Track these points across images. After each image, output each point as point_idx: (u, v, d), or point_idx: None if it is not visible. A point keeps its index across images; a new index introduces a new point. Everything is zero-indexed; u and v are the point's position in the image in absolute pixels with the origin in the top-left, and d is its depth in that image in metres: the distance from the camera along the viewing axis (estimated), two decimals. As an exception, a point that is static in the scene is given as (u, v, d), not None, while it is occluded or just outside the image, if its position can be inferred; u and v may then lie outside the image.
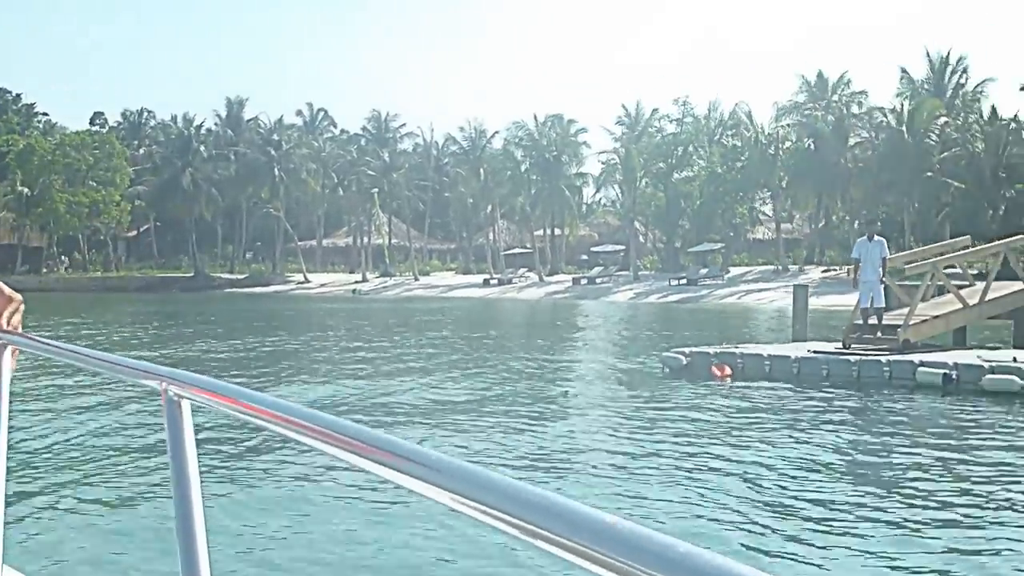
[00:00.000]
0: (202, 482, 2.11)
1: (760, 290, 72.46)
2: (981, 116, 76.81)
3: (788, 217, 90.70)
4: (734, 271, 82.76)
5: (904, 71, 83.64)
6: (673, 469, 13.38)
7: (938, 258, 24.47)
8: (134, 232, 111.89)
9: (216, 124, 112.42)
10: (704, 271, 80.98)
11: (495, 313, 61.23)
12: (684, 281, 79.01)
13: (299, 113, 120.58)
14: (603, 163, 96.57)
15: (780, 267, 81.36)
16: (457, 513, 1.21)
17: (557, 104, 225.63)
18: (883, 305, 23.23)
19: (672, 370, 24.18)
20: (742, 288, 74.37)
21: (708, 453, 14.54)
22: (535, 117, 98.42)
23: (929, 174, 71.15)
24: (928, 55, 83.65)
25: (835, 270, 77.83)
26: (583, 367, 27.19)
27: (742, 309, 62.90)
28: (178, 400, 2.11)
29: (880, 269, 23.05)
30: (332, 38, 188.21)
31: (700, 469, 13.39)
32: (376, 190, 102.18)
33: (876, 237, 23.67)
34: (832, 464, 13.86)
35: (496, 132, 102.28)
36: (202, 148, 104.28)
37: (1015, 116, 72.37)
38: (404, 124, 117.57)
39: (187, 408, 2.12)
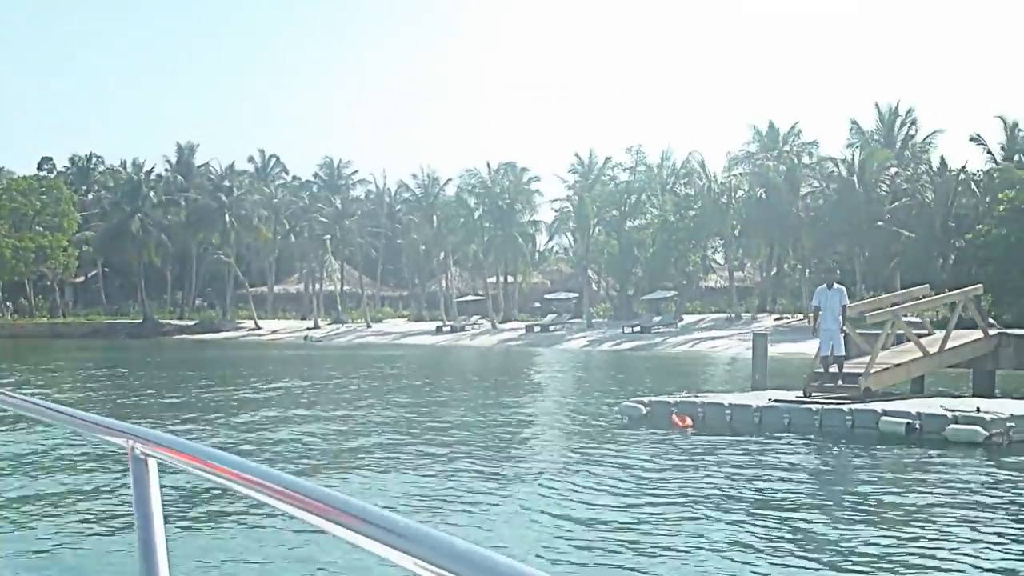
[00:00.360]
0: (168, 541, 2.07)
1: (714, 338, 72.40)
2: (931, 167, 77.59)
3: (740, 265, 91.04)
4: (687, 319, 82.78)
5: (854, 122, 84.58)
6: (636, 524, 13.04)
7: (898, 306, 24.38)
8: (82, 278, 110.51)
9: (166, 170, 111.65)
10: (657, 319, 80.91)
11: (448, 360, 60.74)
12: (638, 329, 78.87)
13: (251, 159, 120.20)
14: (556, 211, 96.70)
15: (733, 315, 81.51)
16: None
17: (510, 152, 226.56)
18: (843, 353, 23.07)
19: (632, 420, 23.84)
20: (696, 336, 74.31)
21: (672, 507, 14.21)
22: (488, 165, 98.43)
23: (880, 223, 71.63)
24: (877, 107, 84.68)
25: (787, 318, 78.09)
26: (541, 417, 26.76)
27: (696, 357, 62.76)
28: (144, 458, 2.11)
29: (840, 317, 22.91)
30: (283, 85, 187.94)
31: (663, 524, 13.07)
32: (328, 237, 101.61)
33: (836, 285, 23.57)
34: (798, 518, 13.54)
35: (449, 179, 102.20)
36: (152, 194, 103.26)
37: (964, 167, 73.14)
38: (356, 171, 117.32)
39: (153, 466, 2.11)
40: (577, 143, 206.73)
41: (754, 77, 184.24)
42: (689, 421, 22.62)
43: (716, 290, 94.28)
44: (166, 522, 2.15)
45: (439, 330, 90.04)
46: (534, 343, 78.62)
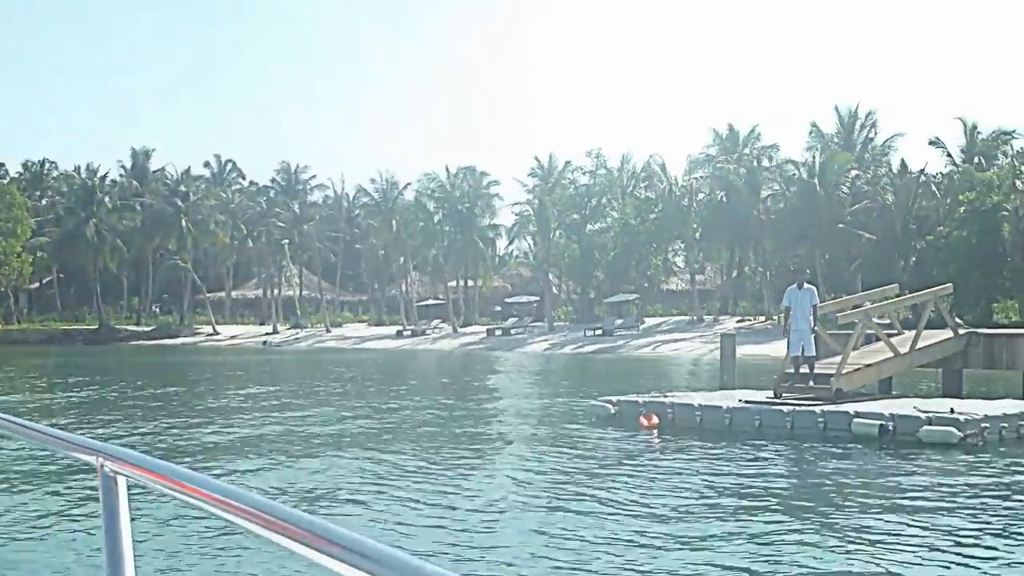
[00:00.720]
0: (136, 559, 2.08)
1: (675, 340, 72.30)
2: (891, 169, 77.80)
3: (700, 268, 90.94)
4: (649, 321, 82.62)
5: (814, 125, 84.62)
6: (604, 527, 12.64)
7: (869, 307, 24.09)
8: (36, 284, 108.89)
9: (121, 175, 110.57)
10: (619, 321, 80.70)
11: (409, 364, 60.17)
12: (599, 332, 78.62)
13: (207, 164, 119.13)
14: (517, 214, 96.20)
15: (695, 318, 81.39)
16: None
17: (469, 156, 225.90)
18: (814, 354, 22.73)
19: (599, 419, 23.48)
20: (658, 338, 74.15)
21: (641, 509, 13.82)
22: (447, 169, 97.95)
23: (841, 226, 71.71)
24: (837, 110, 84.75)
25: (749, 320, 78.09)
26: (506, 419, 26.25)
27: (658, 359, 62.56)
28: (114, 476, 2.09)
29: (811, 318, 22.58)
30: (239, 89, 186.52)
31: (632, 526, 12.67)
32: (286, 241, 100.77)
33: (806, 285, 23.22)
34: (771, 521, 13.14)
35: (408, 184, 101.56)
36: (107, 199, 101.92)
37: (924, 169, 73.37)
38: (314, 176, 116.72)
39: (123, 484, 2.10)
40: (537, 147, 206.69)
41: (714, 80, 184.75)
42: (656, 420, 22.25)
43: (677, 293, 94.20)
44: (135, 540, 2.12)
45: (399, 334, 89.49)
46: (495, 347, 78.21)
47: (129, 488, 2.11)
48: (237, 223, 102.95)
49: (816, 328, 22.59)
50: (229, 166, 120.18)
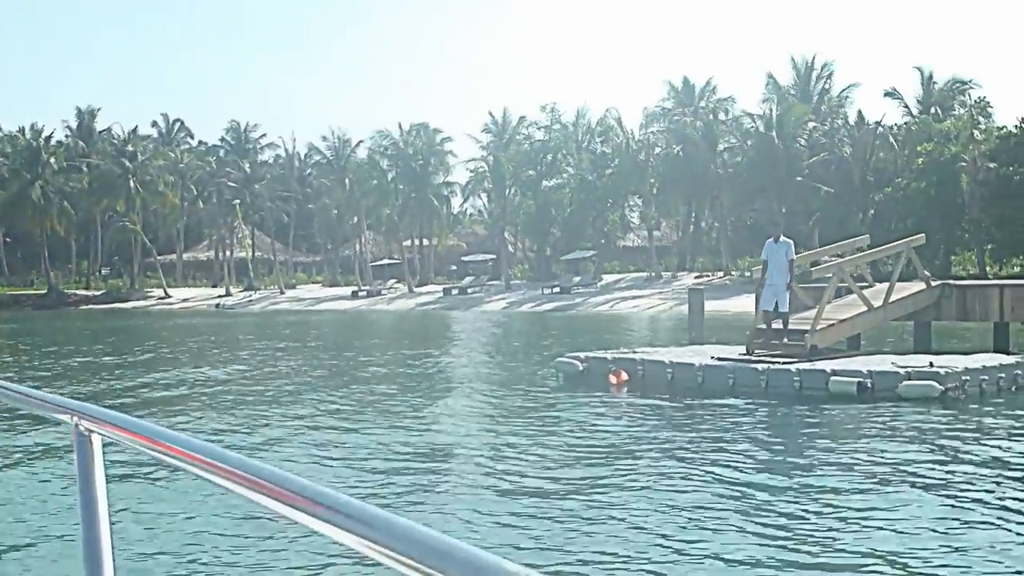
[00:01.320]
0: (112, 519, 2.08)
1: (634, 297, 71.82)
2: (847, 121, 77.42)
3: (656, 224, 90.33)
4: (607, 278, 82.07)
5: (771, 76, 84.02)
6: (578, 491, 11.95)
7: (844, 259, 23.45)
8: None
9: (67, 135, 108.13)
10: (577, 279, 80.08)
11: (366, 325, 59.25)
12: (557, 289, 78.00)
13: (154, 124, 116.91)
14: (471, 171, 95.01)
15: (653, 274, 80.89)
16: (365, 556, 1.23)
17: (422, 112, 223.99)
18: (787, 310, 22.03)
19: (567, 376, 22.77)
20: (616, 295, 73.62)
21: (613, 472, 13.15)
22: (400, 126, 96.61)
23: (799, 179, 71.30)
24: (793, 61, 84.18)
25: (708, 276, 77.74)
26: (469, 379, 25.45)
27: (617, 316, 62.03)
28: (88, 435, 2.09)
29: (787, 273, 21.87)
30: (186, 47, 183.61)
31: (604, 490, 11.99)
32: (237, 202, 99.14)
33: (782, 238, 22.47)
34: (751, 483, 12.45)
35: (360, 141, 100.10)
36: (52, 160, 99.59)
37: (880, 120, 73.02)
38: (264, 135, 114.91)
39: (98, 443, 2.09)
40: (490, 102, 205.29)
41: (669, 31, 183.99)
42: (625, 376, 21.58)
43: (634, 249, 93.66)
44: (110, 500, 2.13)
45: (355, 295, 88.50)
46: (452, 306, 77.44)
47: (104, 447, 2.10)
48: (187, 184, 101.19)
49: (791, 284, 21.89)
50: (177, 125, 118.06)
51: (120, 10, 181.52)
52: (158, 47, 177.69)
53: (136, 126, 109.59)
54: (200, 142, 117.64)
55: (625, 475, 12.95)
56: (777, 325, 21.99)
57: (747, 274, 71.23)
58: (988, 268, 64.48)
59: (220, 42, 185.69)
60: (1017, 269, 63.92)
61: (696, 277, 78.11)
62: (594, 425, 17.12)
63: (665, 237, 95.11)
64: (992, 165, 61.97)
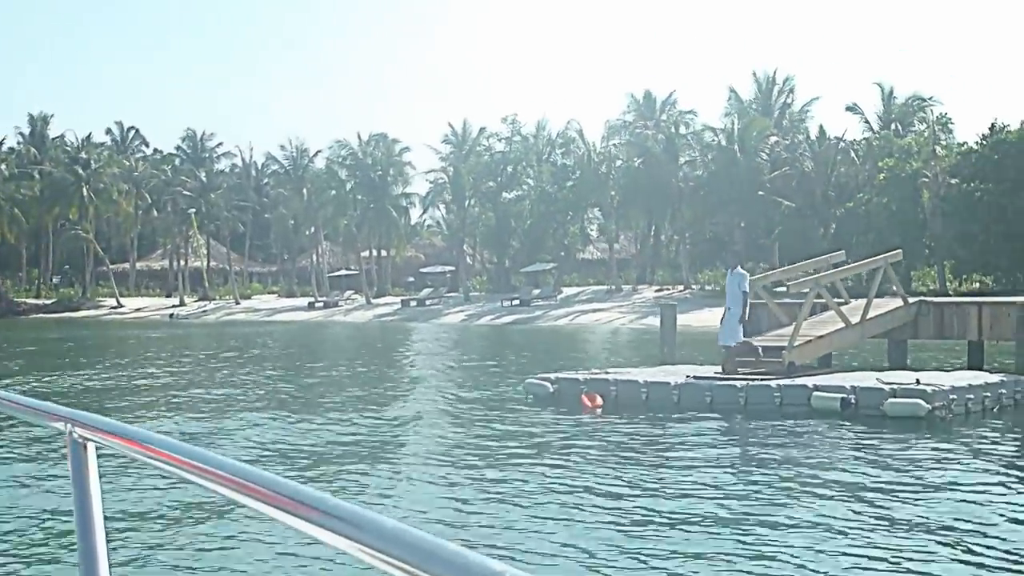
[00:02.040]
0: (107, 526, 2.06)
1: (595, 311, 71.28)
2: (808, 136, 77.34)
3: (615, 237, 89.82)
4: (566, 291, 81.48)
5: (732, 90, 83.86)
6: (552, 517, 11.30)
7: (822, 274, 22.90)
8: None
9: (19, 142, 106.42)
10: (537, 292, 79.42)
11: (323, 337, 58.30)
12: (517, 302, 77.29)
13: (108, 132, 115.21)
14: (431, 182, 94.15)
15: (613, 287, 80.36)
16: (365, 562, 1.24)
17: (381, 122, 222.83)
18: (742, 340, 21.16)
19: (537, 399, 21.99)
20: (576, 308, 73.06)
21: (591, 497, 12.47)
22: (359, 136, 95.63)
23: (760, 193, 71.07)
24: (755, 75, 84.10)
25: (668, 289, 77.30)
26: (433, 396, 24.62)
27: (578, 330, 61.49)
28: (83, 442, 2.09)
29: (739, 307, 21.05)
30: (142, 56, 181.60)
31: (582, 515, 11.39)
32: (193, 211, 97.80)
33: (737, 269, 21.62)
34: (732, 507, 11.83)
35: (319, 151, 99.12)
36: (3, 167, 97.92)
37: (842, 135, 72.98)
38: (221, 143, 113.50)
39: (92, 451, 2.09)
40: (450, 113, 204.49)
41: (631, 43, 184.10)
42: (600, 400, 20.85)
43: (593, 262, 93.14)
44: (105, 507, 2.11)
45: (311, 306, 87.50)
46: (410, 317, 76.64)
47: (99, 454, 2.10)
48: (141, 192, 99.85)
49: (745, 319, 21.04)
50: (132, 133, 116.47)
51: (74, 16, 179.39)
52: (113, 54, 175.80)
53: (90, 133, 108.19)
54: (155, 150, 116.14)
55: (593, 493, 12.26)
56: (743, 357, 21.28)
57: (708, 287, 70.98)
58: (949, 284, 64.46)
59: (176, 50, 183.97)
60: (977, 285, 63.97)
61: (657, 290, 77.70)
62: (576, 454, 16.39)
63: (624, 250, 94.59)
64: (954, 181, 61.98)
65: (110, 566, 2.03)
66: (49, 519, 11.43)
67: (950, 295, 52.07)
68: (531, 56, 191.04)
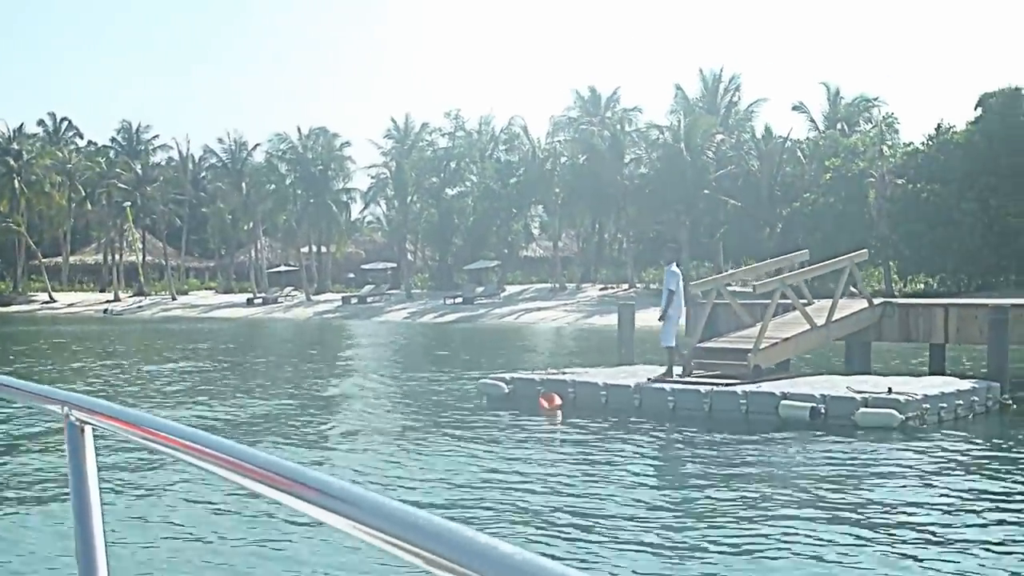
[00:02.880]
0: (104, 509, 2.06)
1: (539, 309, 70.44)
2: (754, 134, 76.95)
3: (557, 235, 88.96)
4: (510, 289, 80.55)
5: (679, 88, 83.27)
6: (515, 531, 10.54)
7: (788, 274, 22.09)
8: None
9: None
10: (480, 289, 78.40)
11: (262, 333, 56.96)
12: (459, 300, 76.27)
13: (41, 122, 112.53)
14: (373, 177, 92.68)
15: (557, 285, 79.52)
16: (359, 540, 1.25)
17: (321, 116, 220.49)
18: (672, 345, 20.28)
19: (492, 399, 21.04)
20: (520, 307, 72.16)
21: (548, 510, 11.66)
22: (299, 129, 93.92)
23: (706, 192, 70.55)
24: (702, 73, 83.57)
25: (612, 288, 76.61)
26: (384, 399, 23.58)
27: (523, 328, 60.65)
28: (80, 425, 2.10)
29: (666, 305, 20.09)
30: (75, 45, 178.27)
31: (540, 526, 10.75)
32: (128, 204, 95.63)
33: (672, 266, 20.67)
34: (699, 523, 11.07)
35: (257, 144, 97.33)
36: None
37: (788, 135, 72.65)
38: (157, 135, 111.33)
39: (89, 434, 2.10)
40: (392, 108, 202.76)
41: (577, 38, 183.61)
42: (558, 401, 19.93)
43: (537, 260, 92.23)
44: (102, 490, 2.11)
45: (250, 302, 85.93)
46: (351, 315, 75.42)
47: (96, 437, 2.11)
48: (75, 184, 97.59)
49: (666, 316, 20.08)
50: (65, 124, 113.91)
51: (3, 3, 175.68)
52: (46, 42, 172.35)
53: (22, 124, 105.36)
54: (89, 142, 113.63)
55: (551, 507, 11.32)
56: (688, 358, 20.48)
57: (652, 286, 70.32)
58: (894, 284, 64.30)
59: (111, 40, 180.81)
60: (922, 286, 63.88)
61: (601, 289, 77.02)
62: (524, 455, 15.44)
63: (567, 248, 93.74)
64: (900, 181, 61.77)
65: (107, 549, 2.01)
66: (46, 501, 11.62)
67: (896, 296, 51.72)
68: (475, 50, 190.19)
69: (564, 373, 21.74)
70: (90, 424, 2.07)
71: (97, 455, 2.09)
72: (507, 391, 20.87)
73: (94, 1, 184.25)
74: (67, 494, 2.07)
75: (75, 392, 2.19)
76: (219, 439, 1.60)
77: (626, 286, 75.68)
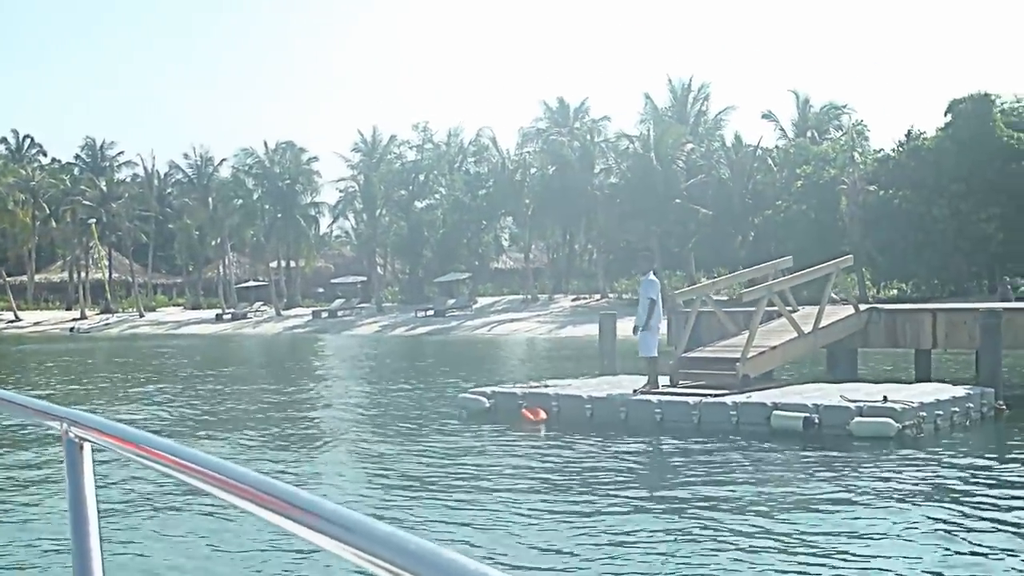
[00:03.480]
0: (101, 526, 2.04)
1: (511, 320, 69.86)
2: (724, 143, 76.72)
3: (527, 247, 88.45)
4: (481, 301, 79.97)
5: (648, 97, 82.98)
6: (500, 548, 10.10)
7: (775, 282, 21.62)
8: None
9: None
10: (451, 302, 77.77)
11: (232, 349, 56.14)
12: (431, 312, 75.65)
13: (3, 140, 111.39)
14: (341, 191, 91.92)
15: (528, 297, 78.98)
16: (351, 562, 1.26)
17: (287, 131, 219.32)
18: (653, 355, 19.79)
19: (472, 414, 20.44)
20: (492, 319, 71.58)
21: (544, 526, 11.23)
22: (265, 144, 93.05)
23: (677, 201, 70.20)
24: (671, 82, 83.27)
25: (585, 299, 76.17)
26: (359, 415, 22.94)
27: (496, 340, 60.08)
28: (79, 442, 2.10)
29: (646, 314, 19.47)
30: (38, 61, 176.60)
31: (527, 546, 10.25)
32: (93, 221, 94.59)
33: (649, 275, 20.11)
34: (696, 547, 10.48)
35: (224, 159, 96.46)
36: None
37: (759, 143, 72.45)
38: (122, 152, 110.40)
39: (88, 450, 2.10)
40: (360, 121, 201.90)
41: (544, 50, 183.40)
42: (543, 415, 19.38)
43: (507, 271, 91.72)
44: (100, 507, 2.10)
45: (219, 318, 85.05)
46: (322, 329, 74.67)
47: (94, 454, 2.10)
48: (39, 202, 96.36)
49: (643, 329, 19.53)
50: (28, 141, 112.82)
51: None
52: (7, 58, 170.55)
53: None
54: (53, 159, 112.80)
55: (536, 527, 10.76)
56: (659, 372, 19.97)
57: (624, 296, 69.90)
58: (868, 291, 64.10)
59: (75, 56, 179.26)
60: (895, 292, 63.74)
61: (573, 299, 76.56)
62: (509, 472, 14.87)
63: (537, 259, 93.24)
64: (871, 188, 61.60)
65: (104, 566, 1.99)
66: (43, 518, 11.61)
67: (870, 302, 51.43)
68: (443, 62, 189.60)
69: (546, 385, 21.19)
70: (89, 441, 2.06)
71: (95, 472, 2.07)
72: (488, 405, 20.31)
73: (55, 17, 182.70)
74: (64, 510, 2.03)
75: (75, 409, 2.17)
76: (216, 459, 1.59)
77: (598, 296, 75.26)
